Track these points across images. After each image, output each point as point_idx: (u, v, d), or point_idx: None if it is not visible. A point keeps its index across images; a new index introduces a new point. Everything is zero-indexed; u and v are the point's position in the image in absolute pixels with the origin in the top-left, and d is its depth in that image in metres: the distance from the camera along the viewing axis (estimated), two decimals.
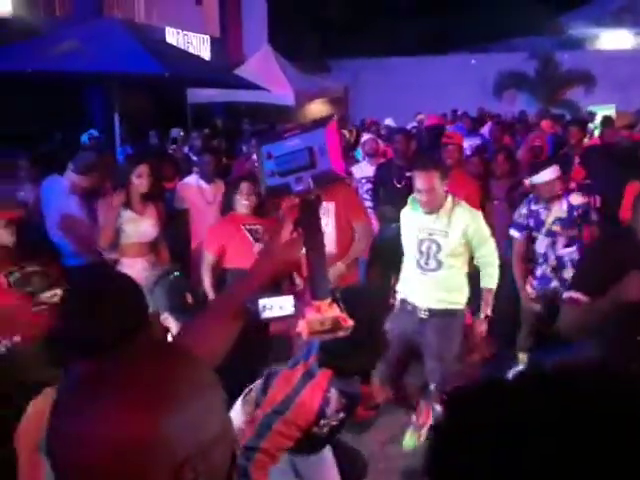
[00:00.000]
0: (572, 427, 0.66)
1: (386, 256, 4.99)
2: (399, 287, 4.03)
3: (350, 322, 1.31)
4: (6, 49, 8.09)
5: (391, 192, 5.61)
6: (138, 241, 4.36)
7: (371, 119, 12.18)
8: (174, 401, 0.82)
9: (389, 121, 12.39)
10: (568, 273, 4.39)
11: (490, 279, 3.81)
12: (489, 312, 3.85)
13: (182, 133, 9.84)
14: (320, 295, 1.28)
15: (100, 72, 7.47)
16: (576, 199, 4.44)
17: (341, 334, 1.33)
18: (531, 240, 4.60)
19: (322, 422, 2.34)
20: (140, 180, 4.33)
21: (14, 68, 7.69)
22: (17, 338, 2.67)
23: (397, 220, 4.12)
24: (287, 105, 13.01)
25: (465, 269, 3.84)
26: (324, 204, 4.08)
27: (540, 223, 4.50)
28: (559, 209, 4.43)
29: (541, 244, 4.55)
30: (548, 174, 4.38)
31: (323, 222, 3.75)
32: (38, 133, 7.80)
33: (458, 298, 3.81)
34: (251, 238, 4.22)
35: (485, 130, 10.34)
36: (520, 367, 4.66)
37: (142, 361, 0.87)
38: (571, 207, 4.42)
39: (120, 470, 0.79)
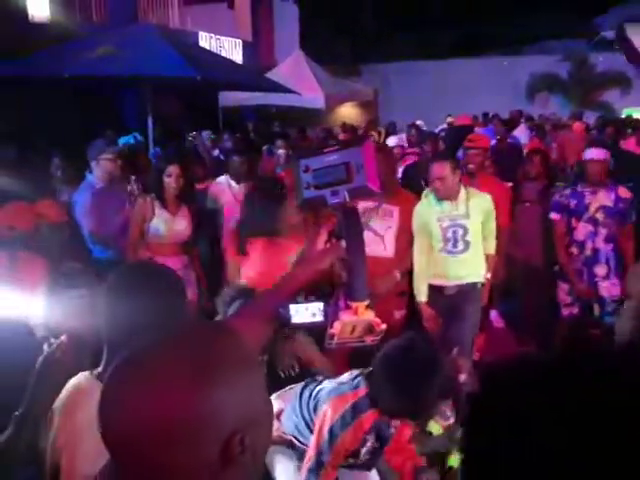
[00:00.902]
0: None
1: None
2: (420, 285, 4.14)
3: (383, 327, 1.36)
4: (43, 54, 8.30)
5: (418, 193, 5.61)
6: (172, 241, 4.43)
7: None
8: (224, 375, 0.85)
9: (419, 123, 12.38)
10: (600, 270, 4.33)
11: (491, 246, 4.17)
12: (489, 276, 4.22)
13: (212, 136, 9.96)
14: (358, 297, 1.33)
15: (135, 76, 7.64)
16: (624, 192, 4.37)
17: (370, 340, 1.38)
18: (569, 229, 4.51)
19: (351, 460, 2.42)
20: (170, 180, 4.41)
21: (51, 73, 7.90)
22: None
23: None
24: (317, 108, 13.08)
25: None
26: (387, 207, 4.12)
27: (583, 207, 4.40)
28: (606, 197, 4.35)
29: (581, 231, 4.43)
30: (599, 153, 4.32)
31: (386, 224, 3.69)
32: (73, 136, 7.97)
33: (481, 271, 4.14)
34: None
35: (517, 133, 10.27)
36: None
37: (193, 337, 0.91)
38: (618, 199, 4.34)
39: (173, 440, 0.81)
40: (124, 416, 0.82)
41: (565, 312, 4.63)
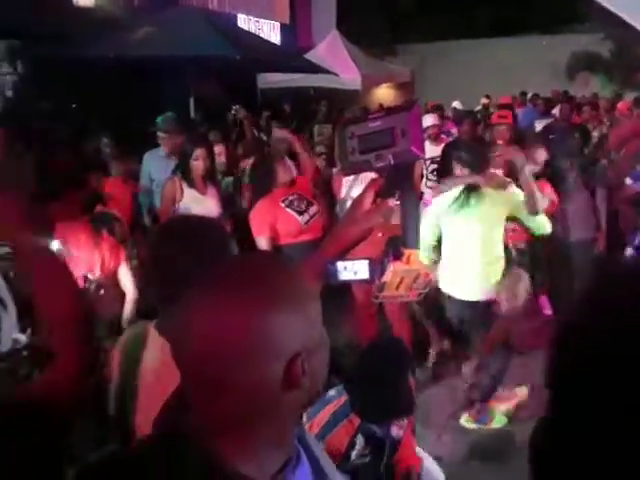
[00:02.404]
0: None
1: None
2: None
3: (431, 276, 1.43)
4: (88, 37, 8.56)
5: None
6: None
7: (432, 103, 12.14)
8: (288, 300, 0.94)
9: (456, 103, 12.36)
10: None
11: None
12: None
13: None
14: (410, 244, 1.41)
15: (176, 56, 7.82)
16: None
17: (416, 294, 1.45)
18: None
19: (344, 465, 2.41)
20: (198, 162, 4.53)
21: (96, 53, 8.15)
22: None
23: None
24: (355, 89, 13.15)
25: None
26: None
27: None
28: None
29: None
30: None
31: None
32: (119, 115, 8.24)
33: None
34: (293, 213, 4.22)
35: (556, 111, 10.20)
36: None
37: (262, 265, 1.01)
38: None
39: (239, 359, 0.89)
40: (195, 336, 0.91)
41: None
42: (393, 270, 1.39)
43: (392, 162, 1.37)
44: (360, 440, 2.43)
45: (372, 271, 1.34)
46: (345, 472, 2.41)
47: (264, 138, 7.71)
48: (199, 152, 4.55)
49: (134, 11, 11.61)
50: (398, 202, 1.40)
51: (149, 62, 8.40)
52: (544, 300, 5.40)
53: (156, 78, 9.95)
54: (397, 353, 2.50)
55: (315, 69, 10.37)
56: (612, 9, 2.83)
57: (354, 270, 1.33)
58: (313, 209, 4.30)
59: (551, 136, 6.03)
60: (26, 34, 9.30)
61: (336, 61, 12.14)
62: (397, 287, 1.43)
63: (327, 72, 10.45)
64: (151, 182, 5.54)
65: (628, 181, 4.53)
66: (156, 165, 5.53)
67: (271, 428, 0.95)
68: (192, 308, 0.93)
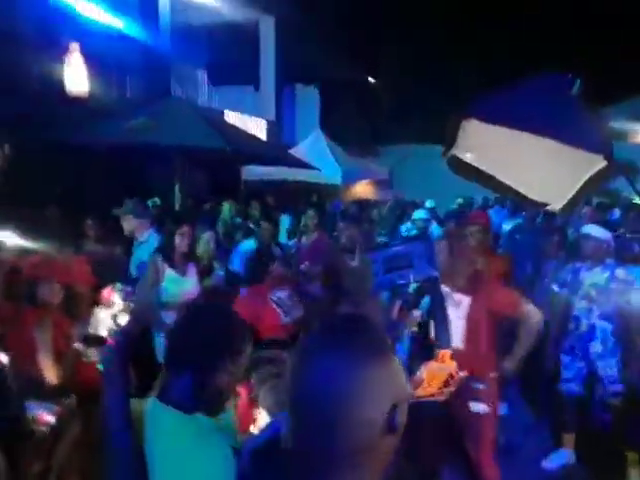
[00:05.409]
0: None
1: None
2: None
3: (461, 375, 1.56)
4: (82, 124, 8.85)
5: None
6: (181, 300, 4.44)
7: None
8: (388, 358, 1.09)
9: (429, 202, 12.84)
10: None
11: None
12: None
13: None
14: (444, 344, 1.59)
15: (167, 145, 8.07)
16: None
17: (444, 392, 1.56)
18: None
19: None
20: (182, 240, 4.58)
21: (87, 140, 8.40)
22: None
23: None
24: (335, 184, 13.60)
25: None
26: (457, 296, 3.40)
27: None
28: None
29: None
30: None
31: (455, 314, 3.19)
32: (108, 199, 8.39)
33: None
34: (279, 311, 4.13)
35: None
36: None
37: (371, 326, 1.14)
38: None
39: (352, 402, 1.03)
40: (318, 384, 1.05)
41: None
42: (428, 368, 1.52)
43: (412, 281, 1.65)
44: None
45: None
46: None
47: (252, 226, 7.87)
48: (184, 229, 4.62)
49: (127, 101, 12.07)
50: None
51: (138, 149, 8.64)
52: None
53: (142, 165, 10.24)
54: None
55: (300, 163, 10.77)
56: None
57: None
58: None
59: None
60: (17, 120, 9.61)
61: (318, 157, 12.63)
62: (430, 383, 1.55)
63: (310, 167, 10.85)
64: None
65: None
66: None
67: (366, 469, 1.06)
68: (313, 361, 1.08)
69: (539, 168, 2.79)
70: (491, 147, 2.87)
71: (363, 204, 12.65)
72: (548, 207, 2.95)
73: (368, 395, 1.03)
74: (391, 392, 1.06)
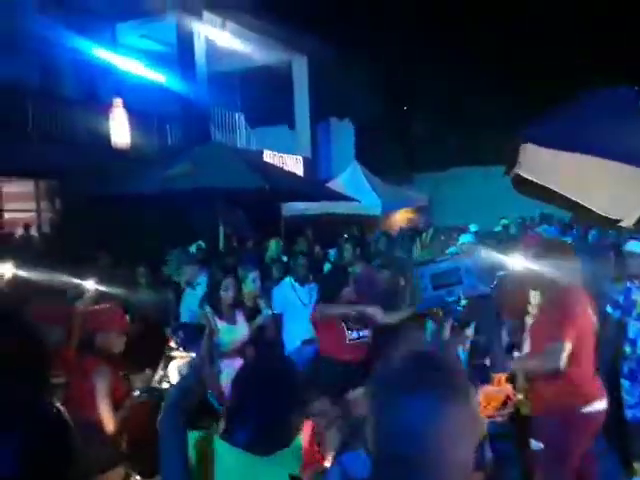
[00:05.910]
0: None
1: None
2: None
3: (515, 398, 1.58)
4: (126, 175, 9.19)
5: None
6: (233, 347, 4.61)
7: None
8: (471, 392, 1.09)
9: (473, 226, 12.78)
10: None
11: None
12: None
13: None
14: (499, 369, 1.64)
15: (209, 189, 8.25)
16: None
17: (502, 415, 1.60)
18: None
19: None
20: (227, 293, 4.69)
21: (133, 190, 8.71)
22: None
23: None
24: (375, 215, 13.72)
25: None
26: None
27: None
28: None
29: None
30: None
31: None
32: (155, 247, 8.62)
33: None
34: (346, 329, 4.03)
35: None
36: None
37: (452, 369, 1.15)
38: None
39: (458, 442, 1.04)
40: (413, 421, 1.05)
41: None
42: (485, 392, 1.54)
43: (461, 297, 1.64)
44: None
45: None
46: None
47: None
48: (228, 281, 4.74)
49: (168, 149, 12.50)
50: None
51: (182, 194, 8.90)
52: None
53: (187, 209, 10.52)
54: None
55: (339, 197, 10.92)
56: None
57: None
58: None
59: None
60: (66, 173, 10.04)
61: (357, 188, 12.78)
62: (486, 407, 1.59)
63: (349, 199, 10.98)
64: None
65: None
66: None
67: None
68: (405, 401, 1.07)
69: (609, 184, 2.77)
70: (557, 165, 2.86)
71: (405, 233, 12.70)
72: (621, 223, 2.91)
73: (461, 435, 1.02)
74: (477, 428, 1.06)
